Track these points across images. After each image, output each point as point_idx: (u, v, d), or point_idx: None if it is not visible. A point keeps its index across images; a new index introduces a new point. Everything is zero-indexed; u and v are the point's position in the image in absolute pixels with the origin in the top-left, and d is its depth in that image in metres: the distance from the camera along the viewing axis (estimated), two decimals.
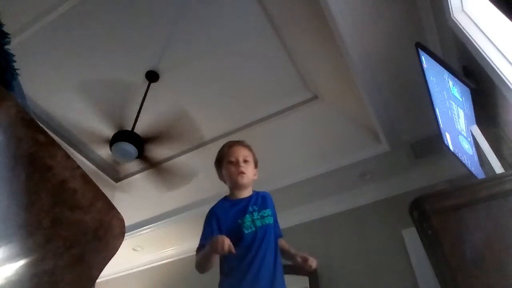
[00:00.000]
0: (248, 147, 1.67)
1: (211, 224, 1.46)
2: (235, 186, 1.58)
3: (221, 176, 1.66)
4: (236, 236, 1.40)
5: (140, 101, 2.77)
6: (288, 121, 3.08)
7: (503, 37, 1.45)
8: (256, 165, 1.67)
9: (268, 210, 1.55)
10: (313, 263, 1.46)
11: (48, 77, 2.75)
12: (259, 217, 1.50)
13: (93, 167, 3.47)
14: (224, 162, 1.62)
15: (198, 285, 3.64)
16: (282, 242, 1.58)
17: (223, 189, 1.66)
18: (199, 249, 1.44)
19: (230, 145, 1.66)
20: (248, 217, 1.48)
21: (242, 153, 1.61)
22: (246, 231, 1.43)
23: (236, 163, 1.57)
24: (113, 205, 0.52)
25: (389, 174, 3.18)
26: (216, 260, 1.39)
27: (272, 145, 3.10)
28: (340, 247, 3.12)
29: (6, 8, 2.12)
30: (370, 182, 3.26)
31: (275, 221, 1.57)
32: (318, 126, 3.07)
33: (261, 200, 1.59)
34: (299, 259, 1.49)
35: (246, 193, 1.59)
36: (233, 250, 1.26)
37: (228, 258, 1.39)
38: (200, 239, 1.46)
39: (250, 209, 1.52)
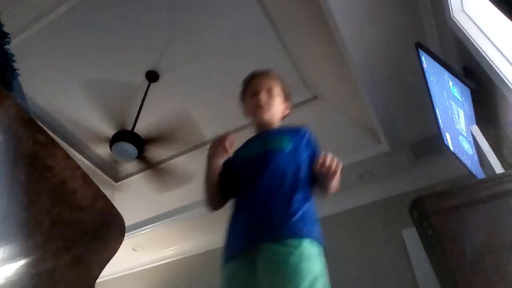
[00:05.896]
0: (274, 76, 1.45)
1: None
2: (256, 123, 1.40)
3: (244, 111, 1.48)
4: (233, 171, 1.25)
5: (140, 101, 2.77)
6: (288, 121, 3.07)
7: (503, 37, 1.45)
8: (286, 98, 1.47)
9: (285, 136, 1.28)
10: (333, 161, 1.15)
11: (48, 77, 2.75)
12: (261, 143, 1.27)
13: (93, 167, 3.47)
14: (247, 95, 1.43)
15: (198, 285, 3.65)
16: None
17: None
18: None
19: (252, 76, 1.45)
20: (249, 147, 1.29)
21: (265, 84, 1.39)
22: (237, 164, 1.26)
23: (256, 96, 1.36)
24: (113, 205, 0.52)
25: (389, 174, 3.17)
26: (215, 171, 1.21)
27: None
28: (340, 247, 3.12)
29: (6, 8, 2.11)
30: (369, 182, 3.26)
31: (305, 147, 1.30)
32: (318, 126, 3.05)
33: (287, 131, 1.34)
34: (318, 168, 1.16)
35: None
36: (228, 146, 1.10)
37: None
38: None
39: (262, 138, 1.31)
